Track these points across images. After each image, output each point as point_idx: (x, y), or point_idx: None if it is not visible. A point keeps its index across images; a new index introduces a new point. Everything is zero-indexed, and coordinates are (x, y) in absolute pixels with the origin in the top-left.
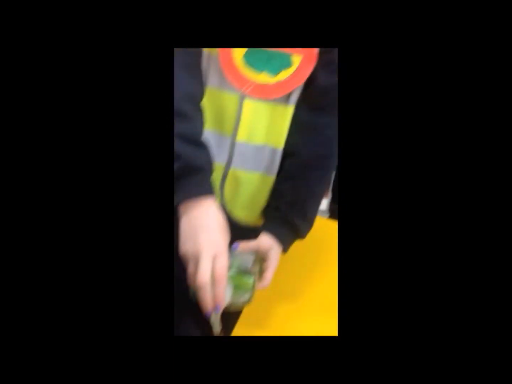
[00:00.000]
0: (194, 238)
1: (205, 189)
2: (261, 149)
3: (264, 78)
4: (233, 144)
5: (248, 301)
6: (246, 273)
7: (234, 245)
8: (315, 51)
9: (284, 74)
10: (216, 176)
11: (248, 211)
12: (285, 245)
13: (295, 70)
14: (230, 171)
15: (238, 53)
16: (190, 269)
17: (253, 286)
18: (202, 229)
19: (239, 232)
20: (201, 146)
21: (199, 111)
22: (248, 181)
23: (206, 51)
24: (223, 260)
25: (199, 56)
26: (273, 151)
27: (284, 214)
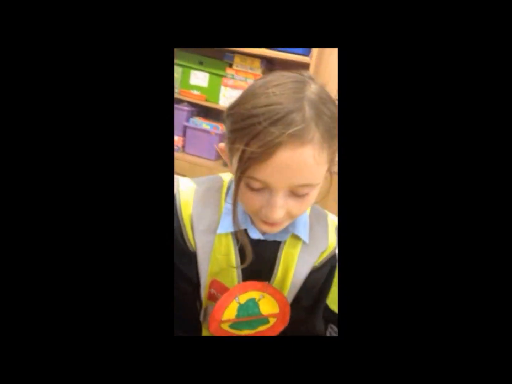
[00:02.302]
0: None
1: None
2: None
3: (245, 332)
4: None
5: None
6: None
7: None
8: (287, 317)
9: (261, 328)
10: None
11: None
12: None
13: (271, 325)
14: None
15: (225, 323)
16: None
17: None
18: None
19: None
20: None
21: None
22: None
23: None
24: None
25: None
26: None
27: None
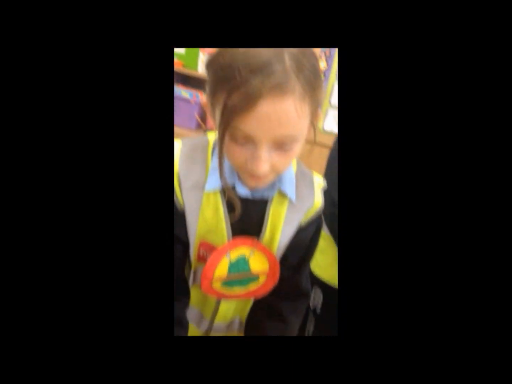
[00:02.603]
0: None
1: None
2: (232, 323)
3: (236, 290)
4: (211, 323)
5: None
6: None
7: None
8: (277, 275)
9: (252, 286)
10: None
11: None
12: None
13: (262, 283)
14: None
15: (217, 283)
16: None
17: None
18: None
19: None
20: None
21: (184, 324)
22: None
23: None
24: None
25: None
26: (241, 322)
27: None
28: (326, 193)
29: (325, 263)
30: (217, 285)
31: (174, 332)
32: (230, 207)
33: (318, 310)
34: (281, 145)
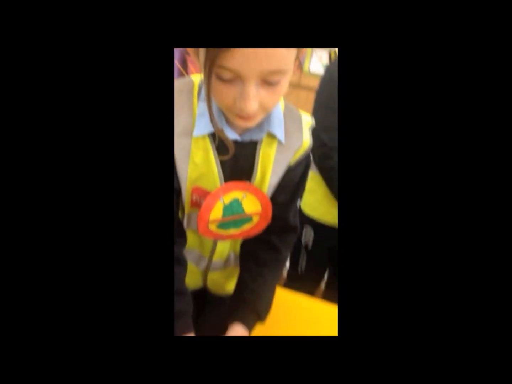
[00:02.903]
0: None
1: (187, 329)
2: (228, 258)
3: (231, 231)
4: (210, 261)
5: None
6: None
7: None
8: (270, 214)
9: (246, 226)
10: (197, 275)
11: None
12: (250, 330)
13: (255, 223)
14: (209, 276)
15: (212, 225)
16: None
17: None
18: None
19: (212, 303)
20: (184, 294)
21: (183, 262)
22: (220, 276)
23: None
24: None
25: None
26: (236, 256)
27: (252, 305)
28: (314, 133)
29: (314, 202)
30: (213, 227)
31: (174, 268)
32: (220, 150)
33: (310, 247)
34: (268, 80)
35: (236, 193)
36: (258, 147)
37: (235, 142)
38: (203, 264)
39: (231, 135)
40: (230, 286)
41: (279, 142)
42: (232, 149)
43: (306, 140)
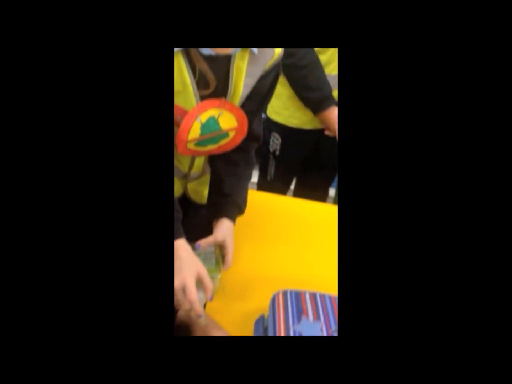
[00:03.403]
0: (179, 270)
1: (178, 234)
2: (204, 168)
3: (209, 147)
4: (188, 174)
5: (217, 283)
6: (211, 264)
7: (196, 245)
8: (245, 128)
9: (223, 142)
10: (178, 185)
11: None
12: (234, 222)
13: (231, 138)
14: (188, 185)
15: (191, 143)
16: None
17: (219, 271)
18: (183, 263)
19: (193, 209)
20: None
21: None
22: (197, 184)
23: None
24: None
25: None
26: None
27: (233, 198)
28: None
29: (279, 106)
30: (191, 146)
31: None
32: (193, 68)
33: (277, 152)
34: None
35: (212, 111)
36: (232, 61)
37: (209, 57)
38: (182, 175)
39: (206, 50)
40: (206, 193)
41: (252, 54)
42: (213, 83)
43: (278, 50)
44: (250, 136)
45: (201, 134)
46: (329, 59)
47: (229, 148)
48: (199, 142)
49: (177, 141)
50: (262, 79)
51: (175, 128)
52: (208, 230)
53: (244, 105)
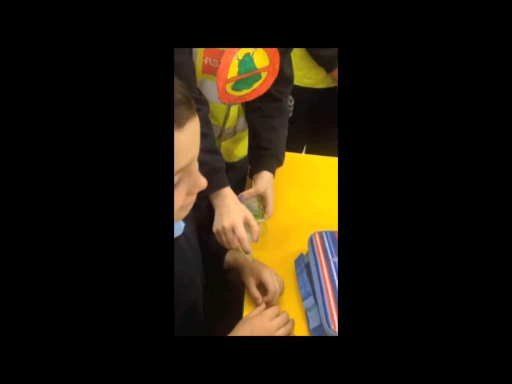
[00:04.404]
0: (228, 214)
1: (224, 183)
2: (237, 123)
3: (243, 91)
4: (223, 129)
5: (261, 227)
6: (255, 211)
7: (240, 196)
8: (277, 67)
9: (256, 84)
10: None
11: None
12: (273, 173)
13: (263, 80)
14: (222, 143)
15: (228, 86)
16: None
17: (262, 217)
18: (231, 208)
19: (230, 167)
20: (218, 153)
21: (210, 127)
22: (231, 143)
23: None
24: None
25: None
26: (243, 119)
27: (271, 151)
28: None
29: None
30: (229, 89)
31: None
32: None
33: (291, 112)
34: None
35: (246, 48)
36: None
37: None
38: (216, 133)
39: None
40: (239, 152)
41: None
42: None
43: None
44: (281, 76)
45: (239, 73)
46: None
47: (262, 91)
48: (236, 85)
49: (218, 81)
50: None
51: (206, 75)
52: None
53: None
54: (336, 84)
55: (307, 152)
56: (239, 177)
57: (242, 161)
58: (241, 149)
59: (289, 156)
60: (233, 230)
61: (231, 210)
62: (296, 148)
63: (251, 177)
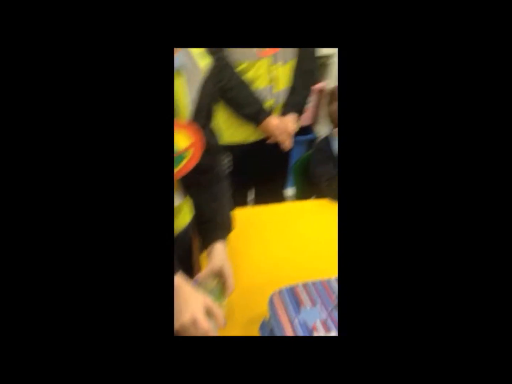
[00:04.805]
0: (185, 308)
1: (175, 270)
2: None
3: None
4: None
5: (226, 308)
6: (215, 293)
7: (194, 281)
8: (202, 141)
9: (183, 163)
10: None
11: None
12: (225, 241)
13: (190, 157)
14: None
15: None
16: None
17: (224, 297)
18: (187, 300)
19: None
20: None
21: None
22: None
23: None
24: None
25: None
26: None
27: (217, 220)
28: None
29: (222, 129)
30: None
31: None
32: None
33: (231, 167)
34: None
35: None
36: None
37: None
38: None
39: None
40: (178, 224)
41: (186, 72)
42: None
43: (203, 64)
44: (208, 148)
45: None
46: (254, 74)
47: (191, 166)
48: None
49: None
50: (202, 89)
51: None
52: None
53: (193, 120)
54: (266, 135)
55: (255, 203)
56: (182, 250)
57: (183, 233)
58: (181, 220)
59: (239, 213)
60: (195, 325)
61: (187, 303)
62: (239, 202)
63: (203, 250)
